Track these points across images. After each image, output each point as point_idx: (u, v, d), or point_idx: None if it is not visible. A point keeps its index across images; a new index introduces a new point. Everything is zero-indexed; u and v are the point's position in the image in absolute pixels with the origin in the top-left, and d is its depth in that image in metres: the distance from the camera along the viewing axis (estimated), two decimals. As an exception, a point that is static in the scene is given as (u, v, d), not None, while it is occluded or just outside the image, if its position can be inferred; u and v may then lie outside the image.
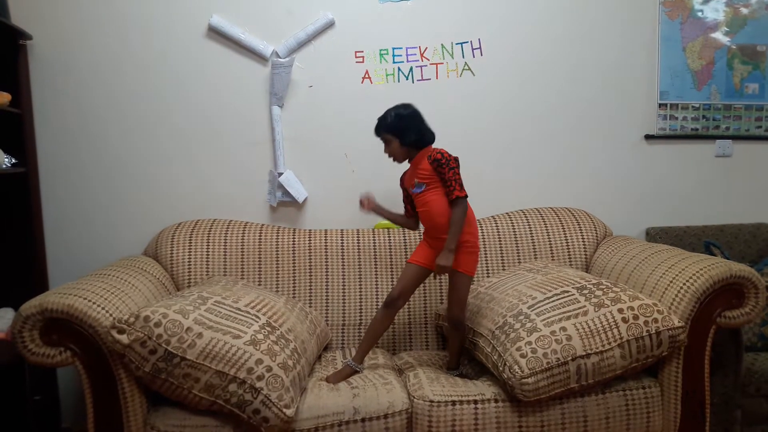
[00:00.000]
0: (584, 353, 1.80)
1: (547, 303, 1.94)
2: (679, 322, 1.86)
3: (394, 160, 2.11)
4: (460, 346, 2.14)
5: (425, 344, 2.42)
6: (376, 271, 2.48)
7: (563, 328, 1.83)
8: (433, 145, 2.08)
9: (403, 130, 2.05)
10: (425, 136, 2.06)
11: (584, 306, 1.89)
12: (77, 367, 1.75)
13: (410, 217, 2.23)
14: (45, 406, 2.46)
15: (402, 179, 2.19)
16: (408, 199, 2.20)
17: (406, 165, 2.15)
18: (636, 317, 1.85)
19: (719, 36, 2.82)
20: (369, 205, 2.18)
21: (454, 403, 1.82)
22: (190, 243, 2.41)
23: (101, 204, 2.59)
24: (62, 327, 1.72)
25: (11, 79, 2.35)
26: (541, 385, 1.77)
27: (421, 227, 2.17)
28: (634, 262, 2.21)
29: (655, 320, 1.85)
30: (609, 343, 1.82)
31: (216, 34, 2.56)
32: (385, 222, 2.47)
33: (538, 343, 1.81)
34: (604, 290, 1.95)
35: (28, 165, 2.41)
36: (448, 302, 2.10)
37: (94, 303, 1.75)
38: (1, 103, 2.22)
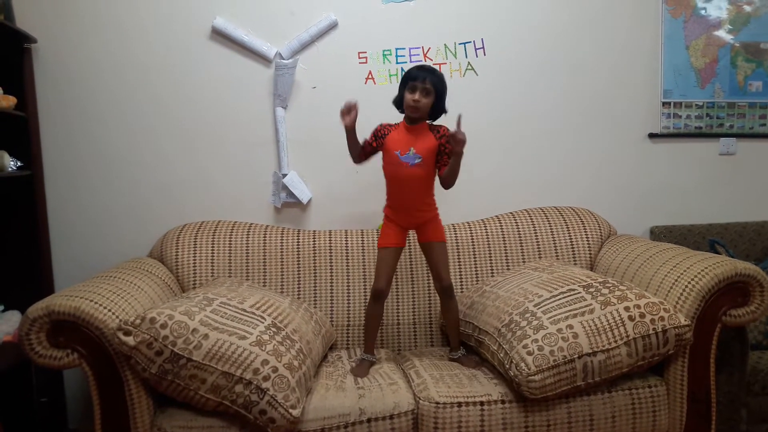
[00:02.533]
0: (591, 351, 1.79)
1: (554, 301, 1.94)
2: (685, 320, 1.86)
3: (412, 112, 2.02)
4: (457, 323, 2.16)
5: (430, 343, 2.42)
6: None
7: (570, 326, 1.83)
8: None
9: (443, 94, 2.04)
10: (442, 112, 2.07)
11: (591, 304, 1.89)
12: (84, 369, 1.75)
13: (361, 159, 2.17)
14: (52, 408, 2.47)
15: (384, 132, 2.10)
16: (370, 149, 2.13)
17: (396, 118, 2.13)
18: (642, 315, 1.85)
19: (722, 34, 2.82)
20: (351, 119, 2.05)
21: (460, 404, 1.81)
22: (195, 244, 2.42)
23: (106, 206, 2.60)
24: (69, 329, 1.72)
25: (16, 82, 2.36)
26: (548, 383, 1.76)
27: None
28: (639, 260, 2.21)
29: (662, 318, 1.85)
30: (615, 341, 1.82)
31: (219, 36, 2.56)
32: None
33: (544, 340, 1.81)
34: (611, 288, 1.95)
35: (33, 168, 2.42)
36: (434, 271, 2.13)
37: (100, 305, 1.75)
38: (6, 107, 2.23)
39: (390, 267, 2.10)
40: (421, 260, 2.47)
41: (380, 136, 2.12)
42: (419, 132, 2.05)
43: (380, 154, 2.14)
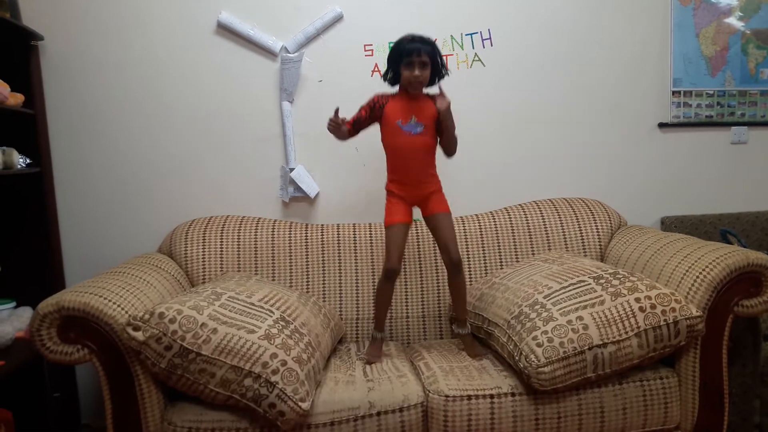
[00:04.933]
0: (601, 342, 1.78)
1: (563, 292, 1.93)
2: (697, 311, 1.84)
3: (416, 87, 2.00)
4: (464, 296, 2.15)
5: (439, 335, 2.41)
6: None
7: (580, 318, 1.82)
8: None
9: (438, 59, 2.03)
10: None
11: (601, 295, 1.88)
12: (94, 364, 1.76)
13: (350, 134, 2.11)
14: (64, 403, 2.49)
15: (382, 102, 2.06)
16: (365, 118, 2.08)
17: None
18: (653, 306, 1.83)
19: (733, 21, 2.78)
20: (344, 131, 2.04)
21: (469, 397, 1.80)
22: (204, 239, 2.42)
23: (116, 202, 2.61)
24: (79, 325, 1.73)
25: (24, 80, 2.37)
26: (558, 374, 1.75)
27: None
28: (650, 251, 2.19)
29: (673, 309, 1.83)
30: (626, 333, 1.80)
31: (225, 30, 2.56)
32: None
33: (554, 332, 1.80)
34: (621, 279, 1.93)
35: (42, 165, 2.43)
36: (442, 244, 2.10)
37: (109, 300, 1.76)
38: (14, 104, 2.24)
39: (400, 244, 2.07)
40: (429, 251, 2.47)
41: (378, 107, 2.07)
42: (420, 101, 2.04)
43: (372, 130, 2.13)
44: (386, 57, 2.56)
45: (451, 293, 2.22)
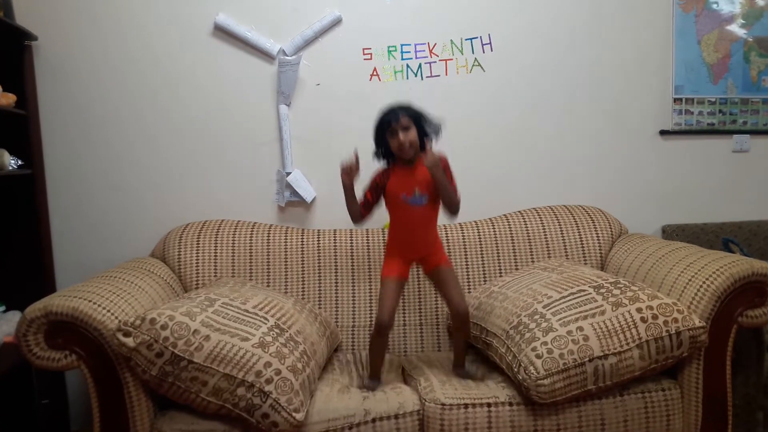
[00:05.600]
0: (602, 354, 1.74)
1: (563, 302, 1.89)
2: (700, 322, 1.80)
3: (406, 153, 1.93)
4: (466, 345, 2.10)
5: (437, 347, 2.37)
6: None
7: (580, 328, 1.78)
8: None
9: (421, 120, 1.96)
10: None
11: (601, 305, 1.84)
12: (83, 370, 1.72)
13: (363, 216, 2.07)
14: (53, 410, 2.44)
15: (384, 180, 2.01)
16: (372, 200, 2.05)
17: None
18: (655, 317, 1.79)
19: (735, 28, 2.76)
20: (351, 178, 1.98)
21: (466, 406, 1.77)
22: (198, 244, 2.38)
23: (109, 205, 2.57)
24: (67, 330, 1.69)
25: (17, 80, 2.33)
26: (558, 387, 1.71)
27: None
28: (651, 260, 2.16)
29: (675, 320, 1.79)
30: (627, 344, 1.76)
31: (222, 32, 2.53)
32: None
33: (554, 343, 1.76)
34: (622, 289, 1.90)
35: (34, 167, 2.39)
36: (448, 297, 2.02)
37: (99, 305, 1.72)
38: (6, 104, 2.21)
39: (394, 298, 1.98)
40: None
41: (380, 185, 2.02)
42: (417, 168, 1.97)
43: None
44: (384, 61, 2.58)
45: (453, 337, 2.17)
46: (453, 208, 1.97)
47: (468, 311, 2.04)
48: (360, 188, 2.04)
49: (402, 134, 1.91)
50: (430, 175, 1.91)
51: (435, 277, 2.06)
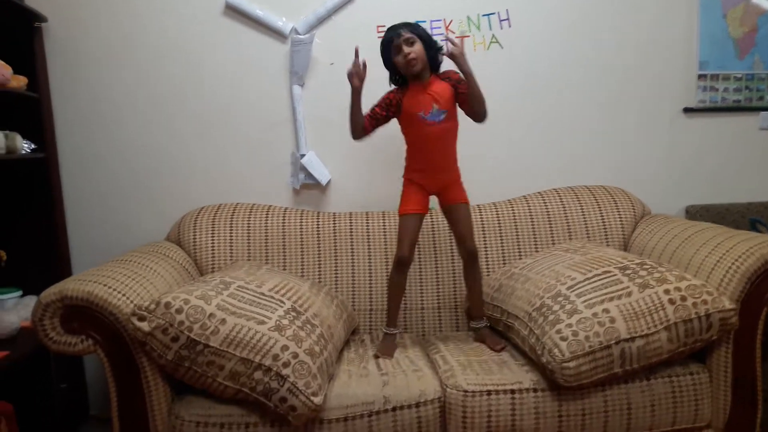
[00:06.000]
0: (629, 336, 1.69)
1: (588, 284, 1.83)
2: (730, 304, 1.74)
3: (412, 65, 1.89)
4: (480, 289, 2.09)
5: (455, 327, 2.33)
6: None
7: (606, 310, 1.73)
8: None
9: (428, 38, 1.94)
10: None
11: (628, 287, 1.79)
12: (99, 355, 1.70)
13: (366, 131, 2.01)
14: (71, 394, 2.44)
15: (398, 99, 1.96)
16: (381, 116, 1.99)
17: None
18: (684, 299, 1.74)
19: (762, 1, 2.65)
20: (360, 79, 1.91)
21: (489, 392, 1.72)
22: (213, 227, 2.35)
23: (123, 189, 2.55)
24: (83, 314, 1.67)
25: (27, 62, 2.30)
26: (583, 370, 1.67)
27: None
28: (676, 241, 2.09)
29: (705, 302, 1.73)
30: (655, 326, 1.71)
31: (233, 11, 2.47)
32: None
33: (579, 325, 1.71)
34: (649, 270, 1.84)
35: (47, 150, 2.37)
36: (459, 236, 2.04)
37: (114, 290, 1.70)
38: (18, 87, 2.18)
39: (413, 234, 2.00)
40: (444, 242, 2.39)
41: (394, 103, 1.99)
42: (433, 86, 1.95)
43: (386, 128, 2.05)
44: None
45: (466, 286, 2.14)
46: (482, 107, 1.95)
47: (476, 250, 2.07)
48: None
49: (406, 48, 1.89)
50: (448, 92, 1.92)
51: (450, 213, 2.06)
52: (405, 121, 2.00)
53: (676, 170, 2.70)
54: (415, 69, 1.91)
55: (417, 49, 1.90)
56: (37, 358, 2.18)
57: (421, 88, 1.96)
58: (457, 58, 1.86)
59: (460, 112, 2.04)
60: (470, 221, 2.06)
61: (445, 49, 1.91)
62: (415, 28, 1.94)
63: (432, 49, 1.96)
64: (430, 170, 2.00)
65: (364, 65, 1.92)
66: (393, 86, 2.04)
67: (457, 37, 1.87)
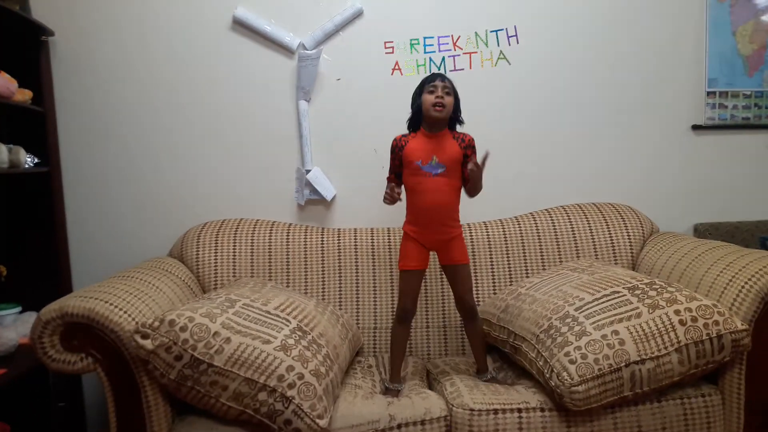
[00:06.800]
0: (639, 359, 1.66)
1: (596, 304, 1.80)
2: (742, 324, 1.71)
3: (436, 109, 1.88)
4: (483, 343, 2.03)
5: (461, 349, 2.29)
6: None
7: (615, 332, 1.69)
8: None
9: (458, 100, 1.96)
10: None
11: (637, 307, 1.75)
12: (99, 374, 1.67)
13: (398, 186, 1.99)
14: (70, 414, 2.40)
15: (401, 144, 1.96)
16: (396, 172, 2.00)
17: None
18: (695, 319, 1.71)
19: (772, 18, 2.65)
20: (391, 201, 1.94)
21: (496, 411, 1.69)
22: (217, 243, 2.33)
23: (126, 204, 2.52)
24: (83, 332, 1.64)
25: (33, 76, 2.29)
26: (593, 393, 1.63)
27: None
28: (686, 260, 2.06)
29: (716, 323, 1.70)
30: (665, 348, 1.68)
31: (241, 26, 2.47)
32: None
33: (588, 347, 1.67)
34: (658, 290, 1.81)
35: (50, 165, 2.35)
36: (458, 296, 1.99)
37: (116, 306, 1.67)
38: (23, 100, 2.17)
39: (415, 289, 1.96)
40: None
41: (398, 149, 1.97)
42: (441, 140, 1.93)
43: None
44: (407, 54, 2.51)
45: (468, 340, 2.10)
46: (477, 193, 2.00)
47: (475, 308, 2.01)
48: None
49: (441, 92, 1.90)
50: (455, 152, 1.92)
51: (449, 272, 2.01)
52: (404, 169, 1.97)
53: (685, 188, 2.68)
54: (438, 114, 1.89)
55: (449, 101, 1.90)
56: (35, 376, 2.15)
57: (429, 137, 1.93)
58: (474, 173, 1.88)
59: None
60: (470, 281, 2.00)
61: (469, 165, 1.88)
62: (453, 85, 1.94)
63: (457, 111, 1.96)
64: (423, 223, 1.94)
65: (399, 193, 1.94)
66: (408, 129, 2.02)
67: (483, 157, 1.87)
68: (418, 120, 1.97)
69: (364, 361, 2.14)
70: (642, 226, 2.44)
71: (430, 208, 1.93)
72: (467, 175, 1.91)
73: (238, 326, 1.69)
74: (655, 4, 2.58)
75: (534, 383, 1.85)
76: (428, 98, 1.90)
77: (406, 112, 2.01)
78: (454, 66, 2.53)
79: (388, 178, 2.03)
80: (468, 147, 1.94)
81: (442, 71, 2.51)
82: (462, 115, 1.98)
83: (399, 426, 1.68)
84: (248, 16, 2.45)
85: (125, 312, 1.67)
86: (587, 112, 2.61)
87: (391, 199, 1.94)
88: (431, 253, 2.01)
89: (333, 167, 2.55)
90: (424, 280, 2.29)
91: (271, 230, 2.40)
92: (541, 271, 2.32)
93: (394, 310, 2.27)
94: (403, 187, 2.01)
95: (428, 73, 2.48)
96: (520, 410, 1.70)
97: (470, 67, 2.54)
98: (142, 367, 1.65)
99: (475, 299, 2.16)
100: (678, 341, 1.69)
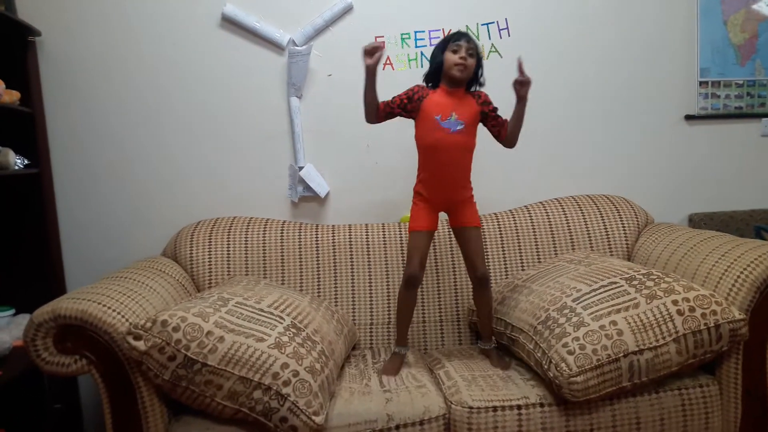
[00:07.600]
0: (637, 349, 1.65)
1: (594, 295, 1.80)
2: (739, 314, 1.71)
3: (461, 71, 1.85)
4: (491, 313, 2.04)
5: (458, 341, 2.29)
6: (403, 266, 2.33)
7: (613, 322, 1.69)
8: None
9: (480, 67, 1.95)
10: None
11: (635, 298, 1.75)
12: (93, 375, 1.65)
13: (379, 117, 1.97)
14: (65, 415, 2.38)
15: (422, 95, 1.91)
16: (398, 105, 1.94)
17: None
18: (692, 309, 1.70)
19: (763, 7, 2.64)
20: (375, 60, 1.87)
21: (495, 408, 1.68)
22: (210, 242, 2.31)
23: (118, 204, 2.50)
24: (77, 334, 1.62)
25: (20, 76, 2.26)
26: (591, 384, 1.62)
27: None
28: (682, 250, 2.06)
29: (714, 312, 1.70)
30: (663, 338, 1.67)
31: (230, 23, 2.45)
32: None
33: (586, 338, 1.67)
34: (656, 281, 1.80)
35: (40, 166, 2.33)
36: (469, 260, 1.98)
37: (109, 308, 1.65)
38: (10, 102, 2.14)
39: (423, 251, 1.94)
40: (446, 253, 2.35)
41: (417, 98, 1.91)
42: (460, 97, 1.91)
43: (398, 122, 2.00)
44: (398, 49, 2.49)
45: (476, 308, 2.09)
46: (515, 140, 2.00)
47: (487, 274, 1.98)
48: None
49: (465, 53, 1.87)
50: (474, 110, 1.90)
51: (460, 235, 1.99)
52: (420, 122, 1.93)
53: (679, 178, 2.68)
54: (459, 74, 1.87)
55: (472, 62, 1.88)
56: (29, 379, 2.13)
57: (448, 93, 1.91)
58: (525, 85, 1.89)
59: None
60: (481, 245, 1.99)
61: (517, 78, 1.89)
62: (477, 47, 1.92)
63: (478, 73, 1.95)
64: (438, 184, 1.92)
65: (381, 47, 1.88)
66: (425, 83, 1.99)
67: (519, 64, 1.87)
68: (436, 77, 1.94)
69: (360, 356, 2.13)
70: (637, 217, 2.43)
71: (443, 168, 1.91)
72: (496, 123, 1.95)
73: (232, 325, 1.67)
74: (646, -5, 2.58)
75: (532, 375, 1.85)
76: (451, 57, 1.87)
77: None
78: (446, 59, 2.51)
79: (379, 102, 1.95)
80: (485, 103, 1.94)
81: (433, 66, 2.49)
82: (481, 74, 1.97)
83: (397, 427, 1.66)
84: (237, 13, 2.43)
85: (118, 313, 1.66)
86: (580, 104, 2.60)
87: (371, 54, 1.87)
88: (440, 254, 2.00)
89: (326, 164, 2.54)
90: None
91: (265, 228, 2.38)
92: (538, 263, 2.31)
93: (391, 304, 2.28)
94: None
95: (420, 68, 2.49)
96: (519, 407, 1.69)
97: (462, 61, 2.52)
98: (136, 368, 1.64)
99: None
100: (676, 331, 1.69)
